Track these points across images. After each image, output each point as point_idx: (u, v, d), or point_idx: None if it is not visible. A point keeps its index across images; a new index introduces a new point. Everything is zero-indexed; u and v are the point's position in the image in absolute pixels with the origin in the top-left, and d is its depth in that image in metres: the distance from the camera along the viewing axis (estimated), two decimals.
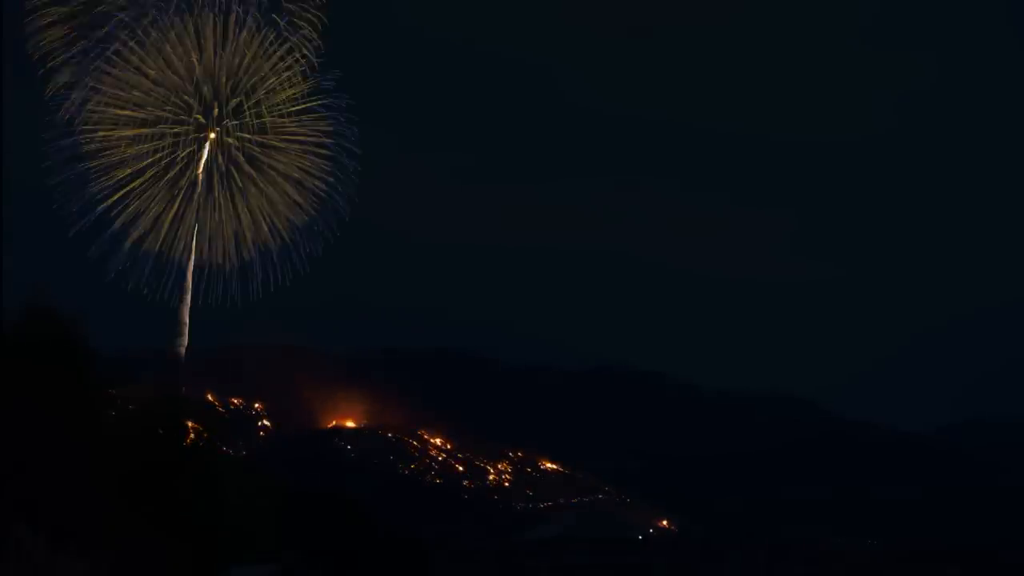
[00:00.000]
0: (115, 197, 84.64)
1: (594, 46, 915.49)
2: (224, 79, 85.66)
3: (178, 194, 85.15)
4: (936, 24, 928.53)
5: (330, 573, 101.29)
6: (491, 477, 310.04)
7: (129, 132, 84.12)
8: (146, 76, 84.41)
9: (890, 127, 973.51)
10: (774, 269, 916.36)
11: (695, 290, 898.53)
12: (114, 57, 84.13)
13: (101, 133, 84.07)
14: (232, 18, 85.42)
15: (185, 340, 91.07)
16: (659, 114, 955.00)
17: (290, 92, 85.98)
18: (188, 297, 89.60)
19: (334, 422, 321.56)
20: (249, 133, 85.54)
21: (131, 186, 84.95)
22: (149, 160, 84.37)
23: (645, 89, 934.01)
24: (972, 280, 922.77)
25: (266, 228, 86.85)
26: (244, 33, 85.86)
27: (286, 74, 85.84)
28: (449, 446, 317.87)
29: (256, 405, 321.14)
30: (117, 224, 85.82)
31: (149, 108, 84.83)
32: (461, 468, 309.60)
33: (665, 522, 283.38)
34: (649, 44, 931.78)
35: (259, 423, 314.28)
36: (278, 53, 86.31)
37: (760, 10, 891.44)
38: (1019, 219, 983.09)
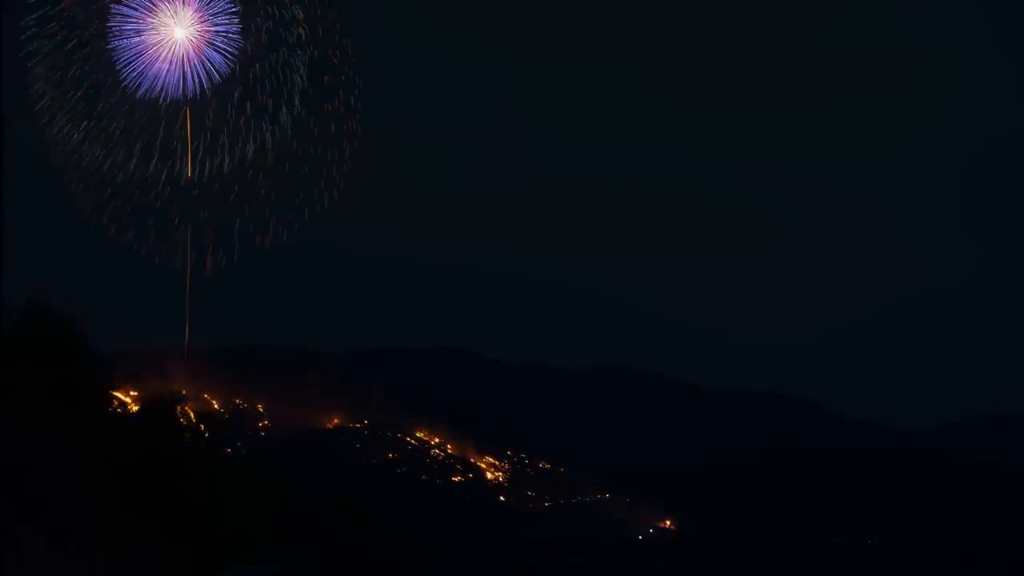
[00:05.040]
0: None
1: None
2: None
3: None
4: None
5: (330, 573, 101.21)
6: (490, 477, 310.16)
7: None
8: None
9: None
10: (772, 269, 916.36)
11: (695, 289, 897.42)
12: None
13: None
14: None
15: None
16: (653, 122, 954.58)
17: None
18: None
19: (334, 422, 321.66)
20: None
21: None
22: None
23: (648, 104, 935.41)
24: (972, 280, 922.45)
25: None
26: None
27: None
28: (449, 446, 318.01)
29: (257, 405, 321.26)
30: None
31: None
32: (460, 468, 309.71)
33: (666, 522, 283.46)
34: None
35: (259, 423, 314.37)
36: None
37: None
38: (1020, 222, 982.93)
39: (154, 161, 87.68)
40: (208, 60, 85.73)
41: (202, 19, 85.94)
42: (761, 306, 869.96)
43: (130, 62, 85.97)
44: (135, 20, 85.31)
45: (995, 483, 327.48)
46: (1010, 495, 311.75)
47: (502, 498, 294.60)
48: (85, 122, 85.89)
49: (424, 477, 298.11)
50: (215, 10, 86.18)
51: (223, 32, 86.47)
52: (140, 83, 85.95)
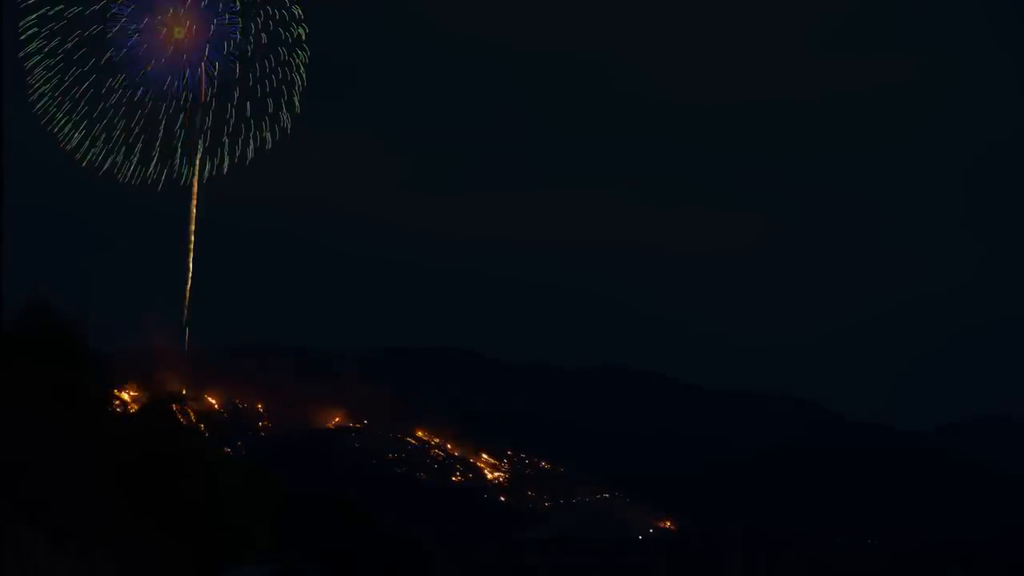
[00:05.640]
0: None
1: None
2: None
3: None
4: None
5: (330, 573, 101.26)
6: (490, 477, 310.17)
7: None
8: None
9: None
10: (772, 269, 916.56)
11: (695, 289, 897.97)
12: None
13: None
14: None
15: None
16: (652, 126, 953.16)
17: None
18: None
19: (334, 421, 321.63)
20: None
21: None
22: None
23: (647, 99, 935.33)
24: (972, 280, 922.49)
25: None
26: None
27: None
28: (448, 446, 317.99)
29: (257, 405, 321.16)
30: None
31: None
32: (460, 467, 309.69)
33: (666, 522, 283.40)
34: None
35: (259, 423, 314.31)
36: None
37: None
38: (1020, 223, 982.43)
39: (154, 161, 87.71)
40: (209, 60, 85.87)
41: (204, 20, 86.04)
42: (761, 306, 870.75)
43: (131, 63, 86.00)
44: (136, 21, 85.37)
45: (995, 483, 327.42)
46: (1010, 495, 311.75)
47: (502, 498, 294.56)
48: (85, 121, 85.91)
49: (424, 477, 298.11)
50: (216, 10, 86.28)
51: (223, 33, 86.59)
52: (141, 83, 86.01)
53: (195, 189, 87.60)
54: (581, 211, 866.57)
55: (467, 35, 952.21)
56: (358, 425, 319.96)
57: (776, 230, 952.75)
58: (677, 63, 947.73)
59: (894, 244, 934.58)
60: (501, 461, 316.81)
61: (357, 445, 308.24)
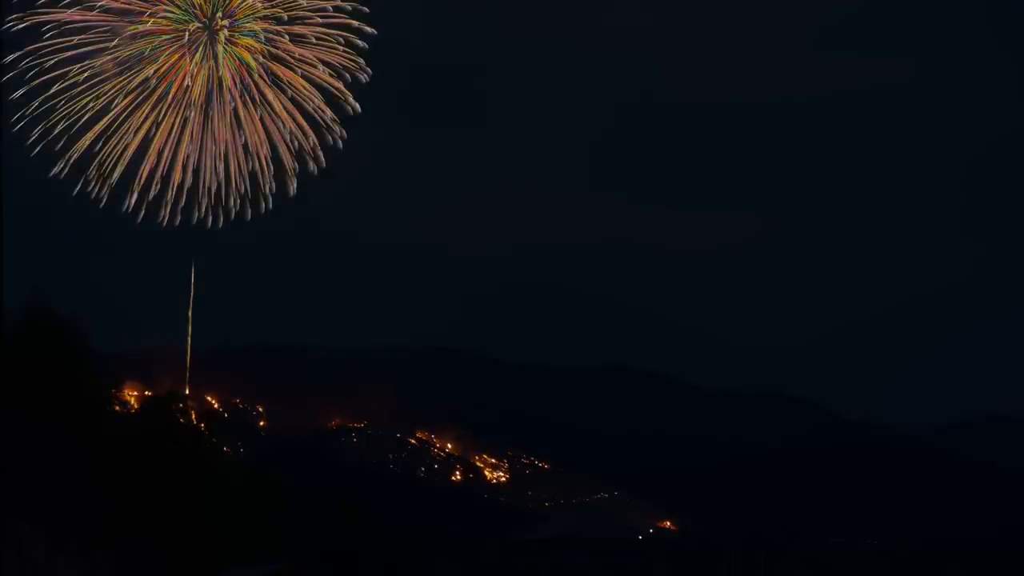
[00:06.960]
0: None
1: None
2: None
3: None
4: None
5: (330, 573, 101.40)
6: (490, 477, 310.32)
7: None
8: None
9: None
10: (772, 269, 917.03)
11: (695, 289, 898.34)
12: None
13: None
14: None
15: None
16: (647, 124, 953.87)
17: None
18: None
19: (335, 422, 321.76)
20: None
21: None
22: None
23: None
24: (972, 280, 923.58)
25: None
26: None
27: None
28: (449, 446, 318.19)
29: (257, 405, 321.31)
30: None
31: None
32: (461, 467, 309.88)
33: (666, 522, 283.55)
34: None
35: (259, 423, 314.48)
36: None
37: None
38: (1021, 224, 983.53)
39: (154, 162, 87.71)
40: (213, 64, 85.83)
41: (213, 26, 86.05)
42: (761, 306, 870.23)
43: (134, 65, 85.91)
44: (141, 22, 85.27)
45: (994, 483, 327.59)
46: (1009, 495, 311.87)
47: (502, 498, 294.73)
48: (86, 119, 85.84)
49: (424, 476, 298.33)
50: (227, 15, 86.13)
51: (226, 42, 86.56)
52: (144, 84, 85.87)
53: (198, 190, 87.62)
54: (581, 211, 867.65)
55: (469, 46, 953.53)
56: (358, 425, 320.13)
57: (776, 230, 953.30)
58: (678, 63, 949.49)
59: (894, 244, 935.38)
60: (501, 461, 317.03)
61: (358, 444, 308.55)
